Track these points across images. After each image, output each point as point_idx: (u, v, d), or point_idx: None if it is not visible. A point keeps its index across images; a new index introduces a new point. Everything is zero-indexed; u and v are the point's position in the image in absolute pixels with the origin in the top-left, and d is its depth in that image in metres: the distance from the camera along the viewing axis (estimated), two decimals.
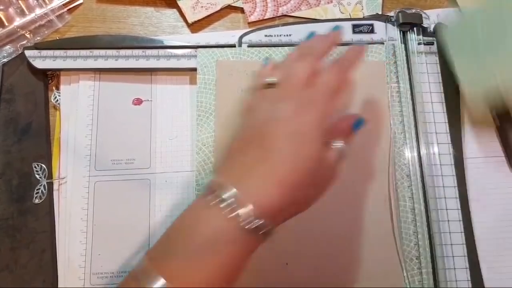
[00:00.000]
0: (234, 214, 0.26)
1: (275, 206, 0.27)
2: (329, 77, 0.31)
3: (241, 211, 0.26)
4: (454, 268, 0.37)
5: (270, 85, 0.32)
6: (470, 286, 0.37)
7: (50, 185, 0.41)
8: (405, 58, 0.42)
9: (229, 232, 0.26)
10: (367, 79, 0.40)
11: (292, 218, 0.31)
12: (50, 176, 0.41)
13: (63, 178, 0.41)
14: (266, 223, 0.27)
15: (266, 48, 0.42)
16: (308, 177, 0.29)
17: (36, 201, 0.40)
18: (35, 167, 0.41)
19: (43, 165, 0.41)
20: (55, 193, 0.40)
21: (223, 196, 0.26)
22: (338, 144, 0.32)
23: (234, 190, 0.27)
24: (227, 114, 0.40)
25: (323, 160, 0.30)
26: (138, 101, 0.43)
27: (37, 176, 0.40)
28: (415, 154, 0.39)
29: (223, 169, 0.30)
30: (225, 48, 0.42)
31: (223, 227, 0.26)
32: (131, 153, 0.41)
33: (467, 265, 0.37)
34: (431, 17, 0.44)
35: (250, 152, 0.29)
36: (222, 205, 0.26)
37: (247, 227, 0.26)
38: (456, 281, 0.37)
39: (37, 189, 0.40)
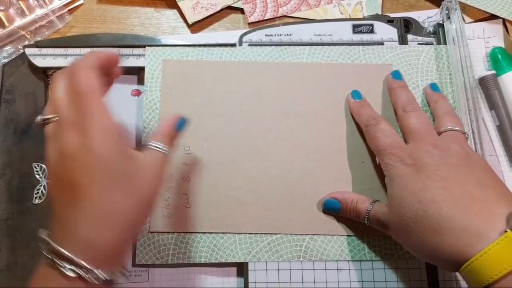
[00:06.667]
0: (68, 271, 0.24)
1: (105, 248, 0.26)
2: (79, 81, 0.27)
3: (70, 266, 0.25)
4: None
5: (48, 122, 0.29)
6: None
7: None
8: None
9: None
10: (374, 82, 0.40)
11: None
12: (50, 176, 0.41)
13: None
14: (102, 270, 0.25)
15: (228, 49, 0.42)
16: (125, 196, 0.27)
17: (36, 201, 0.40)
18: (35, 167, 0.41)
19: (43, 165, 0.41)
20: None
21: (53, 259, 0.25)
22: (157, 144, 0.30)
23: (58, 248, 0.25)
24: (171, 114, 0.40)
25: (136, 165, 0.28)
26: (137, 92, 0.43)
27: (37, 176, 0.40)
28: None
29: (52, 228, 0.27)
30: (175, 47, 0.42)
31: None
32: None
33: None
34: (431, 17, 0.44)
35: (63, 202, 0.27)
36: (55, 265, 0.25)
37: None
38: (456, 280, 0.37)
39: (37, 190, 0.40)
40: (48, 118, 0.28)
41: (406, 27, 0.43)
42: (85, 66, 0.28)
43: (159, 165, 0.30)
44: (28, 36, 0.44)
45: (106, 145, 0.26)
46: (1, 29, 0.44)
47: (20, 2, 0.45)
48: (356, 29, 0.43)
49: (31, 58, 0.42)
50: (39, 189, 0.40)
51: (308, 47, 0.42)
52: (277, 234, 0.37)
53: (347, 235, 0.37)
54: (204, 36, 0.45)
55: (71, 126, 0.27)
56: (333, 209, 0.37)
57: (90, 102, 0.27)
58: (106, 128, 0.27)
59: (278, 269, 0.37)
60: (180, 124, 0.33)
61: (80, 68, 0.28)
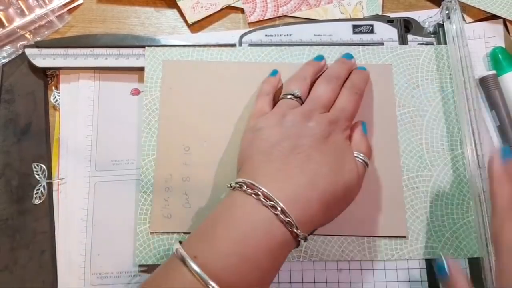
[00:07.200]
0: (275, 211, 0.28)
1: (310, 216, 0.29)
2: (348, 102, 0.35)
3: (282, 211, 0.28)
4: None
5: (287, 97, 0.35)
6: None
7: (50, 186, 0.40)
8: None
9: (266, 222, 0.28)
10: (374, 82, 0.40)
11: None
12: (49, 176, 0.41)
13: (63, 179, 0.40)
14: (301, 230, 0.28)
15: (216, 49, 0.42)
16: (345, 191, 0.31)
17: (36, 201, 0.40)
18: (34, 167, 0.41)
19: (42, 165, 0.41)
20: (54, 194, 0.40)
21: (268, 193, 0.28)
22: (361, 156, 0.34)
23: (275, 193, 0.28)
24: (171, 115, 0.40)
25: (357, 173, 0.32)
26: (136, 91, 0.43)
27: (36, 176, 0.40)
28: None
29: (261, 172, 0.30)
30: (175, 48, 0.42)
31: (263, 219, 0.28)
32: (132, 154, 0.41)
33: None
34: (431, 18, 0.44)
35: (290, 160, 0.30)
36: (264, 202, 0.28)
37: (289, 229, 0.28)
38: None
39: (36, 190, 0.40)
40: (294, 95, 0.35)
41: (406, 27, 0.43)
42: (357, 95, 0.37)
43: (363, 176, 0.34)
44: (28, 36, 0.44)
45: (346, 152, 0.33)
46: (1, 29, 0.44)
47: (19, 2, 0.45)
48: (356, 29, 0.43)
49: (31, 59, 0.42)
50: (39, 189, 0.40)
51: (308, 47, 0.42)
52: None
53: (347, 235, 0.37)
54: (204, 36, 0.45)
55: (323, 121, 0.32)
56: (439, 272, 0.32)
57: (346, 122, 0.34)
58: (348, 144, 0.34)
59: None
60: (364, 128, 0.37)
61: (353, 94, 0.36)
